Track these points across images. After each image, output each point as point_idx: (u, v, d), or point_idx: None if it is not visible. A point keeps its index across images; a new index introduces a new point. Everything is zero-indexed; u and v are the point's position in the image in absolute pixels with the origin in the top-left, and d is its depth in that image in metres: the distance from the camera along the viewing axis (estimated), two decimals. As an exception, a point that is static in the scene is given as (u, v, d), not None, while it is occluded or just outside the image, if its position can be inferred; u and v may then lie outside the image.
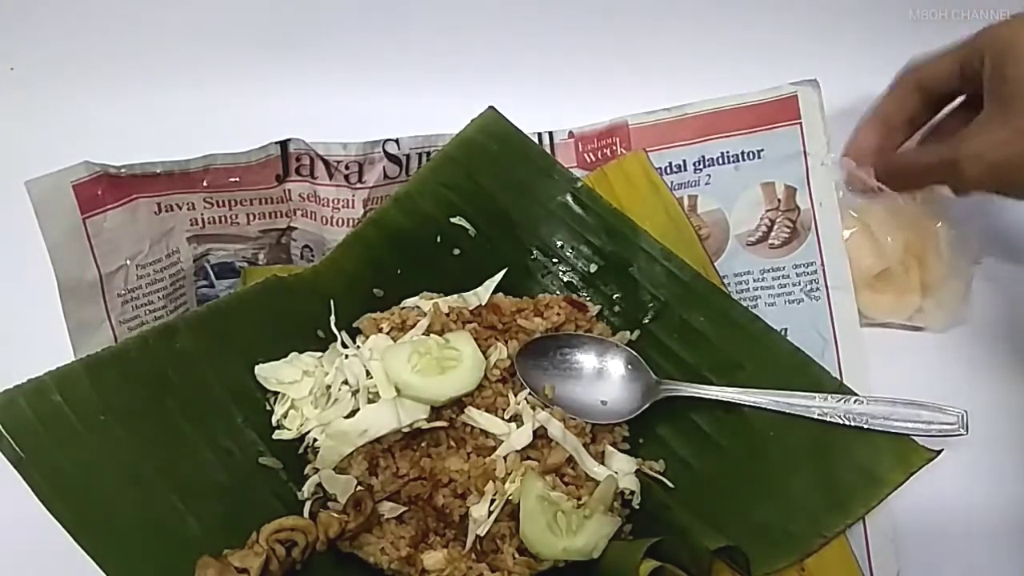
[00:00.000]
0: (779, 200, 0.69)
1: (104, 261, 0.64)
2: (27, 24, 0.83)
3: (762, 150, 0.69)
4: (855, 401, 0.58)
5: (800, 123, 0.68)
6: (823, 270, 0.67)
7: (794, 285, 0.67)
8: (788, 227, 0.68)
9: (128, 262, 0.66)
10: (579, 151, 0.73)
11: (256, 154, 0.68)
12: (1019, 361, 0.70)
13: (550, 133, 0.73)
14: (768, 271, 0.68)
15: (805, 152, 0.68)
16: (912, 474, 0.56)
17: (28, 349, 0.59)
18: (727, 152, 0.70)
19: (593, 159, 0.73)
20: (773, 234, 0.69)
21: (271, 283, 0.63)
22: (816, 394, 0.59)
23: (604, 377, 0.62)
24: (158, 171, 0.66)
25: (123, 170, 0.64)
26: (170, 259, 0.69)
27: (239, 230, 0.70)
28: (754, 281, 0.69)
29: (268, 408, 0.60)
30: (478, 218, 0.67)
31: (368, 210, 0.70)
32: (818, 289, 0.67)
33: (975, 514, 0.64)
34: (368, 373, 0.59)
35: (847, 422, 0.57)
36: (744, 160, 0.69)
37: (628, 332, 0.64)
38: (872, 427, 0.57)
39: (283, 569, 0.52)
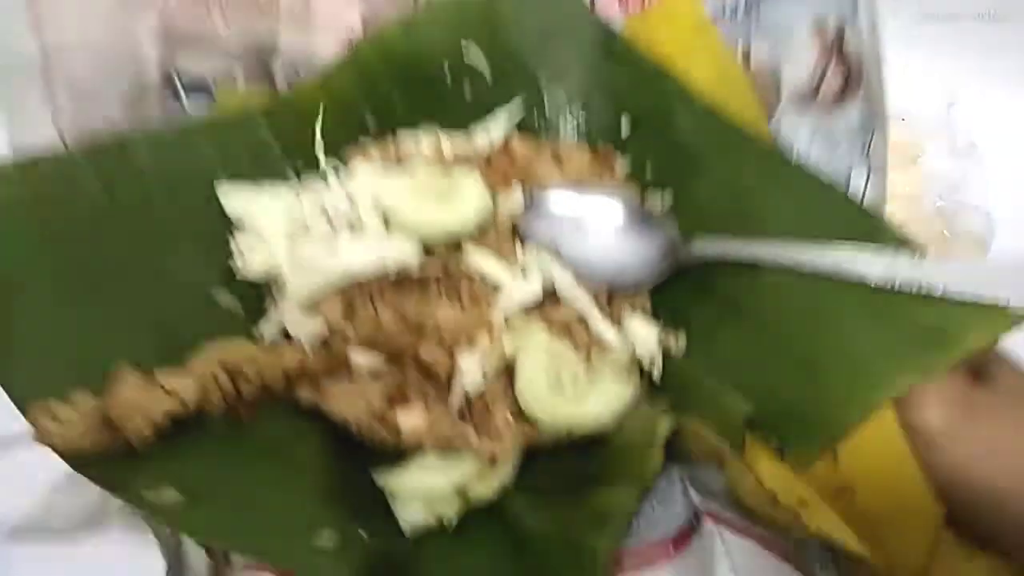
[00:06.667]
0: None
1: (47, 34, 0.54)
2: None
3: None
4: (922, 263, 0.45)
5: None
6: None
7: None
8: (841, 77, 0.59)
9: (80, 47, 0.56)
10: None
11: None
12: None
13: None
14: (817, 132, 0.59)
15: None
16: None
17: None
18: None
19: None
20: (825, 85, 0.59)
21: (249, 109, 0.55)
22: (873, 255, 0.46)
23: (626, 238, 0.52)
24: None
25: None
26: (132, 56, 0.58)
27: (214, 32, 0.60)
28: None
29: (230, 243, 0.51)
30: (494, 59, 0.58)
31: (368, 29, 0.60)
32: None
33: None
34: (351, 201, 0.50)
35: (913, 290, 0.44)
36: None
37: (658, 191, 0.55)
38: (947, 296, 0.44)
39: (226, 405, 0.43)
